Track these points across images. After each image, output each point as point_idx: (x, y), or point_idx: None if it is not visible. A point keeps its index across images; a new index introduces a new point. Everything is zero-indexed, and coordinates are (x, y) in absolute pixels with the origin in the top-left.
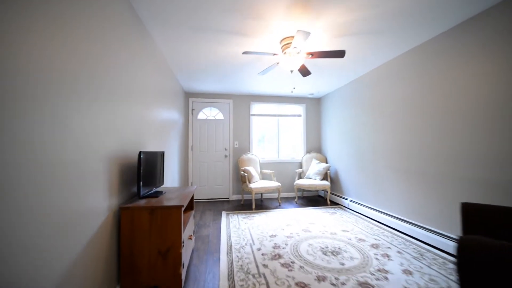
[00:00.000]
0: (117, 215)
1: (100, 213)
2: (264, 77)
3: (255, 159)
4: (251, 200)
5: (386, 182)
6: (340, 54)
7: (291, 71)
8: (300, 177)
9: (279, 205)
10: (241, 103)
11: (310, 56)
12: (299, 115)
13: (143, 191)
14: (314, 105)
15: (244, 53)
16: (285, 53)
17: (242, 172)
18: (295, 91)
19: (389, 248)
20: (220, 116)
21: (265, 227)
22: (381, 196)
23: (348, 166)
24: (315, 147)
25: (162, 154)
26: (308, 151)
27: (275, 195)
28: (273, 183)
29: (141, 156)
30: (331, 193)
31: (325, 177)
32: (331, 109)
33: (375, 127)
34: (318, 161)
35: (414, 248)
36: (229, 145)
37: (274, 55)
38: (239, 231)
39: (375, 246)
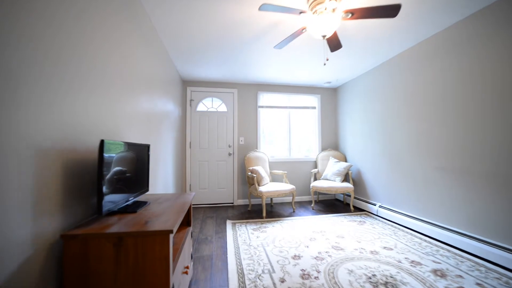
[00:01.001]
0: (56, 250)
1: (13, 249)
2: (274, 61)
3: (263, 158)
4: (260, 205)
5: (432, 186)
6: (392, 11)
7: (323, 37)
8: (315, 178)
9: (294, 212)
10: (247, 93)
11: (350, 15)
12: (313, 107)
13: (108, 205)
14: (330, 96)
15: (262, 8)
16: (315, 11)
17: (249, 173)
18: (310, 77)
19: (461, 276)
20: (223, 108)
21: (283, 243)
22: (424, 202)
23: (375, 165)
24: (332, 144)
25: (146, 148)
26: (323, 149)
27: (287, 199)
28: (286, 186)
29: (104, 146)
30: (354, 197)
31: (345, 178)
32: (351, 100)
33: (416, 119)
34: (336, 160)
35: (498, 278)
36: (233, 141)
37: (301, 13)
38: (251, 250)
39: (440, 274)
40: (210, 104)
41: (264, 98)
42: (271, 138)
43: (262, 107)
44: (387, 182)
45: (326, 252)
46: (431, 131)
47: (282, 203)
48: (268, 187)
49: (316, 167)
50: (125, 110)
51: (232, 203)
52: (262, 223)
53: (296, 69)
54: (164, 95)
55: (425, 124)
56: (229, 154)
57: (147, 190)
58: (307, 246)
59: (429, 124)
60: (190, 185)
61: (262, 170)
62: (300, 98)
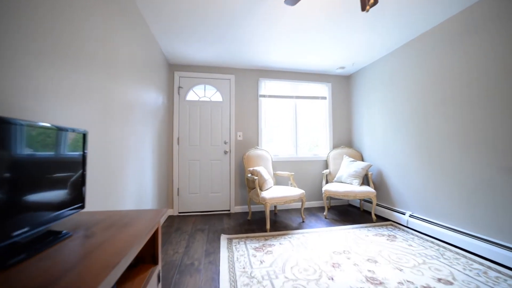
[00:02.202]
0: None
1: None
2: (278, 40)
3: (266, 156)
4: (262, 213)
5: (492, 192)
6: None
7: None
8: (327, 181)
9: (303, 222)
10: (246, 79)
11: None
12: (324, 98)
13: None
14: (343, 85)
15: None
16: None
17: (249, 175)
18: (322, 61)
19: None
20: (217, 97)
21: (297, 272)
22: (478, 213)
23: (403, 166)
24: (345, 141)
25: (78, 138)
26: (335, 146)
27: (294, 205)
28: (294, 191)
29: None
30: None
31: (364, 180)
32: (369, 88)
33: (466, 106)
34: (351, 159)
35: None
36: (230, 137)
37: None
38: (254, 285)
39: None
40: (202, 92)
41: (267, 86)
42: (274, 134)
43: (264, 96)
44: (421, 186)
45: None
46: (491, 120)
47: (287, 210)
48: (273, 192)
49: (327, 167)
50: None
51: (229, 210)
52: (266, 239)
53: (306, 50)
54: (139, 76)
55: (481, 111)
56: (225, 152)
57: (81, 205)
58: (332, 278)
59: (488, 111)
60: (178, 189)
61: (265, 172)
62: (308, 86)
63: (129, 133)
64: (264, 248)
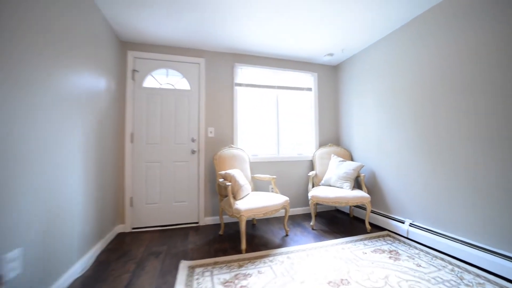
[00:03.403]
0: None
1: None
2: (258, 19)
3: (242, 157)
4: (238, 226)
5: None
6: None
7: None
8: (313, 184)
9: (287, 236)
10: (219, 65)
11: None
12: (309, 89)
13: None
14: (330, 75)
15: None
16: None
17: (221, 180)
18: (308, 45)
19: None
20: (183, 84)
21: None
22: (504, 223)
23: (401, 166)
24: (333, 138)
25: None
26: (322, 144)
27: (276, 214)
28: (276, 198)
29: None
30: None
31: (355, 183)
32: (361, 78)
33: (483, 95)
34: (340, 159)
35: None
36: (199, 133)
37: None
38: None
39: None
40: (164, 78)
41: (244, 74)
42: (253, 130)
43: (240, 85)
44: (424, 189)
45: None
46: None
47: (268, 220)
48: (250, 202)
49: (313, 168)
50: None
51: (197, 222)
52: (241, 265)
53: (290, 32)
54: (59, 49)
55: (504, 101)
56: (193, 152)
57: None
58: None
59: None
60: (131, 199)
61: (240, 175)
62: (292, 76)
63: (29, 129)
64: (237, 281)
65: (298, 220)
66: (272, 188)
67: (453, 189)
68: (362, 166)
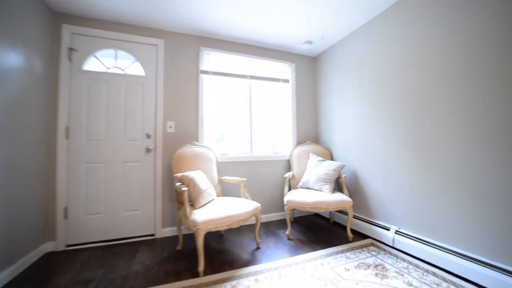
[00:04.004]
0: None
1: None
2: None
3: (208, 156)
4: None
5: None
6: None
7: None
8: (290, 187)
9: (258, 249)
10: (181, 48)
11: None
12: (286, 81)
13: None
14: (309, 67)
15: None
16: None
17: (177, 184)
18: (284, 30)
19: None
20: (137, 69)
21: None
22: (506, 233)
23: (387, 166)
24: (311, 135)
25: None
26: (300, 142)
27: (249, 221)
28: (244, 205)
29: None
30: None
31: (335, 185)
32: (342, 69)
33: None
34: (320, 158)
35: None
36: (156, 128)
37: None
38: None
39: None
40: (112, 61)
41: (211, 60)
42: (222, 125)
43: (207, 73)
44: (411, 191)
45: None
46: None
47: (238, 228)
48: (211, 211)
49: (290, 169)
50: None
51: (153, 235)
52: None
53: (265, 14)
54: None
55: (504, 89)
56: (148, 150)
57: None
58: None
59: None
60: (65, 209)
61: (202, 179)
62: (267, 65)
63: None
64: None
65: (272, 227)
66: (242, 193)
67: (445, 192)
68: (343, 166)
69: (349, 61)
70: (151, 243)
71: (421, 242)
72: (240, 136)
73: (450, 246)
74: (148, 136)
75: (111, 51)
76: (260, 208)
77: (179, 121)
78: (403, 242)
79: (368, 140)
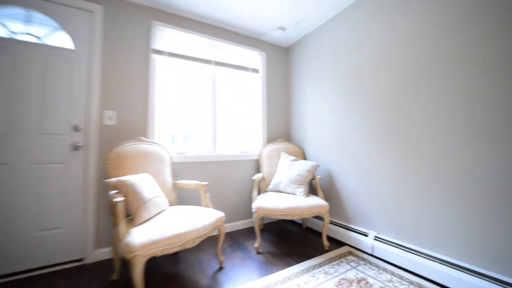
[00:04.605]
0: None
1: None
2: None
3: (159, 156)
4: (147, 262)
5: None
6: None
7: None
8: (260, 191)
9: (221, 269)
10: (127, 19)
11: None
12: (256, 70)
13: None
14: (282, 58)
15: None
16: None
17: (112, 192)
18: (250, 13)
19: None
20: (62, 40)
21: None
22: (497, 239)
23: (363, 165)
24: (283, 132)
25: None
26: (270, 140)
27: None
28: (203, 217)
29: None
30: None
31: (309, 187)
32: (316, 62)
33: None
34: (292, 158)
35: None
36: (88, 118)
37: None
38: None
39: None
40: (20, 25)
41: (167, 38)
42: (179, 118)
43: (160, 53)
44: (391, 192)
45: None
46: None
47: (198, 245)
48: (155, 229)
49: (259, 170)
50: None
51: (82, 259)
52: None
53: None
54: None
55: (492, 78)
56: (75, 148)
57: None
58: None
59: (503, 78)
60: None
61: (149, 184)
62: (235, 51)
63: None
64: None
65: (239, 238)
66: (202, 200)
67: (429, 193)
68: (318, 166)
69: (324, 53)
70: (76, 271)
71: (402, 249)
72: (202, 132)
73: (435, 253)
74: (76, 129)
75: (20, 11)
76: (224, 218)
77: (123, 111)
78: (383, 249)
79: (345, 137)
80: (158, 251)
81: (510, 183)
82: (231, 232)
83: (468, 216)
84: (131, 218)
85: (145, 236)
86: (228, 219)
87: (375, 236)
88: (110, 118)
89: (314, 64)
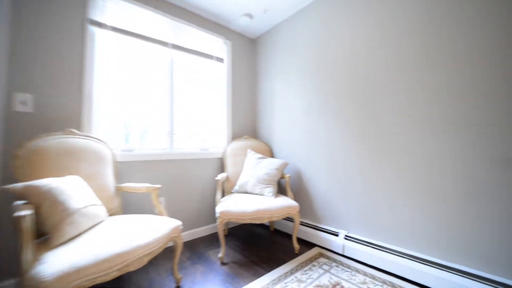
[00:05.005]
0: None
1: None
2: None
3: (97, 152)
4: None
5: (495, 196)
6: None
7: None
8: (223, 192)
9: None
10: None
11: None
12: (220, 60)
13: None
14: (248, 49)
15: None
16: None
17: (18, 203)
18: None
19: None
20: None
21: None
22: (468, 232)
23: (333, 162)
24: (249, 128)
25: None
26: (236, 136)
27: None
28: (154, 229)
29: None
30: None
31: (278, 187)
32: (285, 54)
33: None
34: (259, 155)
35: None
36: None
37: None
38: None
39: None
40: None
41: (111, 9)
42: (126, 107)
43: (102, 26)
44: (363, 188)
45: None
46: (478, 89)
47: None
48: (83, 250)
49: (224, 169)
50: None
51: None
52: None
53: None
54: None
55: (464, 74)
56: None
57: None
58: None
59: (476, 74)
60: None
61: (79, 189)
62: (197, 35)
63: None
64: None
65: (200, 247)
66: (155, 206)
67: (399, 190)
68: (287, 164)
69: (295, 45)
70: None
71: (373, 247)
72: (156, 125)
73: (405, 249)
74: None
75: None
76: (181, 227)
77: (44, 94)
78: (354, 249)
79: (315, 134)
80: (85, 282)
81: (474, 178)
82: (191, 241)
83: (435, 212)
84: (46, 238)
85: (65, 262)
86: (188, 226)
87: (346, 235)
88: (24, 103)
89: (284, 57)
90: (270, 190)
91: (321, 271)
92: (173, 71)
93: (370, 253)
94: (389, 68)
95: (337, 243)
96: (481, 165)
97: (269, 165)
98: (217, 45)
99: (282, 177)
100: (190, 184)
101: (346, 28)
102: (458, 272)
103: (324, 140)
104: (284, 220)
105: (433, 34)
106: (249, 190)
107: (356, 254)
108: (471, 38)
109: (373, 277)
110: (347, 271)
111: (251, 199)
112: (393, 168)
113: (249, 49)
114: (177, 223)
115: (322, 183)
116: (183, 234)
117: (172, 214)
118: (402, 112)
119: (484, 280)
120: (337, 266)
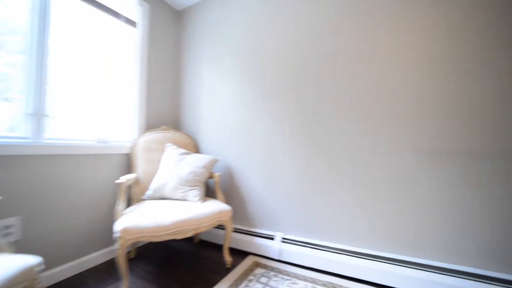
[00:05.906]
0: None
1: None
2: None
3: None
4: None
5: (421, 185)
6: None
7: None
8: (130, 199)
9: None
10: None
11: None
12: (132, 23)
13: None
14: (172, 22)
15: None
16: None
17: None
18: None
19: None
20: None
21: None
22: (398, 220)
23: (267, 157)
24: (169, 118)
25: None
26: (151, 127)
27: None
28: None
29: None
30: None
31: (206, 188)
32: (217, 34)
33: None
34: (182, 151)
35: None
36: None
37: None
38: None
39: None
40: None
41: None
42: None
43: None
44: (301, 188)
45: None
46: (427, 81)
47: None
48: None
49: (132, 169)
50: None
51: None
52: None
53: None
54: None
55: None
56: None
57: None
58: None
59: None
60: None
61: None
62: None
63: None
64: None
65: (90, 284)
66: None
67: (336, 185)
68: (216, 161)
69: (228, 25)
70: None
71: (311, 247)
72: (8, 99)
73: (346, 245)
74: None
75: None
76: (42, 266)
77: None
78: (292, 252)
79: (248, 127)
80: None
81: (410, 168)
82: (75, 276)
83: (370, 204)
84: None
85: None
86: (70, 255)
87: (283, 238)
88: None
89: (214, 36)
90: (195, 193)
91: (259, 286)
92: (48, 18)
93: (309, 254)
94: (326, 60)
95: (274, 247)
96: (408, 157)
97: (195, 163)
98: (129, 3)
99: (211, 177)
100: (76, 192)
101: (281, 13)
102: (397, 262)
103: (258, 135)
104: (212, 229)
105: (362, 28)
106: (167, 194)
107: (295, 258)
108: (397, 36)
109: (314, 281)
110: (287, 279)
111: (170, 207)
112: (328, 165)
113: (173, 22)
114: (34, 261)
115: (257, 182)
116: (57, 269)
117: (37, 243)
118: (339, 109)
119: (420, 266)
120: (275, 275)
